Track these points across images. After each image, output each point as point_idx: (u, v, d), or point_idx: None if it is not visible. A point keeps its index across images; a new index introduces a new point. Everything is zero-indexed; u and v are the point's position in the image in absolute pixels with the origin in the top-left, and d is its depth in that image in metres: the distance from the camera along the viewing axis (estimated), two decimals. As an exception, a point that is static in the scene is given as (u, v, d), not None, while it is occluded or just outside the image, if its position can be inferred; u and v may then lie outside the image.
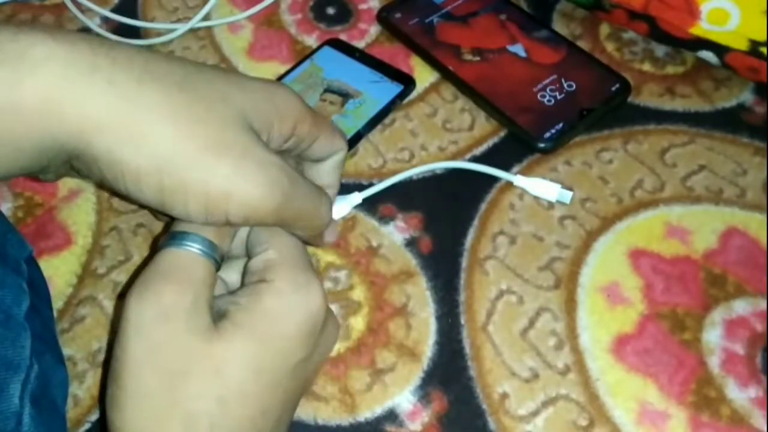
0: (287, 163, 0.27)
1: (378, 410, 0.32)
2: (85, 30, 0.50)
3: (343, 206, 0.38)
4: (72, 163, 0.25)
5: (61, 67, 0.23)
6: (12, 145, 0.23)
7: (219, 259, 0.27)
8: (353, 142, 0.41)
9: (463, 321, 0.35)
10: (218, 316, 0.25)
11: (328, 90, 0.43)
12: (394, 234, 0.38)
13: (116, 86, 0.23)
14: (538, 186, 0.38)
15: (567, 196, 0.38)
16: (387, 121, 0.43)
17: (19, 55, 0.22)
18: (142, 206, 0.29)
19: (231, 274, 0.30)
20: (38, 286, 0.33)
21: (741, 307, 0.34)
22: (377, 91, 0.43)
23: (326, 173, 0.33)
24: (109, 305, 0.36)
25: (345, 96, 0.43)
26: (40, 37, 0.23)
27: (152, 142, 0.23)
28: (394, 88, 0.43)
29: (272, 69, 0.46)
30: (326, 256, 0.37)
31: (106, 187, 0.26)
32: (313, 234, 0.30)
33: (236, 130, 0.25)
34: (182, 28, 0.48)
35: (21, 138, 0.23)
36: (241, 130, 0.25)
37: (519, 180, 0.38)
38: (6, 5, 0.51)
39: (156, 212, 0.31)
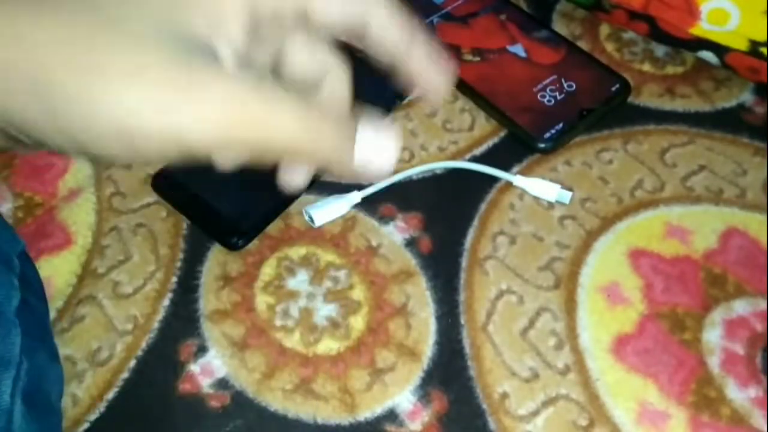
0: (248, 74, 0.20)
1: (378, 410, 0.32)
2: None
3: (343, 205, 0.38)
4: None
5: None
6: None
7: None
8: None
9: (463, 321, 0.35)
10: None
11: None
12: (394, 234, 0.38)
13: (20, 35, 0.19)
14: (538, 186, 0.38)
15: (566, 196, 0.38)
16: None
17: None
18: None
19: None
20: (31, 282, 0.33)
21: (741, 307, 0.34)
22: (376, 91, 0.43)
23: (379, 44, 0.25)
24: (108, 305, 0.36)
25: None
26: None
27: (28, 74, 0.18)
28: (393, 89, 0.43)
29: (272, 69, 0.46)
30: (326, 256, 0.37)
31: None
32: (332, 170, 0.23)
33: (174, 50, 0.19)
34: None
35: None
36: (180, 49, 0.19)
37: (519, 180, 0.38)
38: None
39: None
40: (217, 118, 0.19)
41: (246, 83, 0.20)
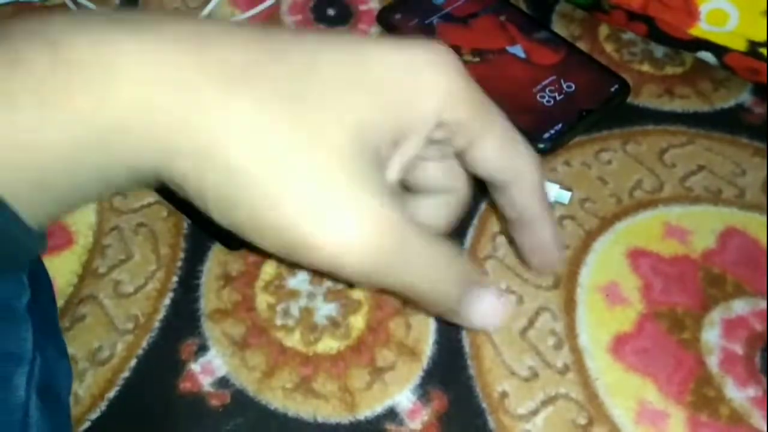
0: (397, 203, 0.20)
1: (378, 409, 0.32)
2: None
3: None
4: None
5: (146, 85, 0.19)
6: (88, 172, 0.20)
7: None
8: None
9: (462, 320, 0.35)
10: None
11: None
12: (394, 234, 0.38)
13: (204, 105, 0.19)
14: None
15: (565, 196, 0.38)
16: (387, 121, 0.43)
17: (101, 72, 0.19)
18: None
19: None
20: (40, 278, 0.33)
21: (740, 306, 0.34)
22: None
23: (510, 204, 0.25)
24: (109, 304, 0.36)
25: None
26: (123, 43, 0.19)
27: (236, 172, 0.19)
28: None
29: (273, 69, 0.46)
30: (326, 256, 0.37)
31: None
32: (436, 310, 0.24)
33: (347, 162, 0.20)
34: (183, 28, 0.48)
35: (101, 167, 0.19)
36: (353, 162, 0.20)
37: None
38: (7, 5, 0.51)
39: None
40: (370, 255, 0.20)
41: (400, 213, 0.20)
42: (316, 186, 0.19)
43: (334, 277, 0.23)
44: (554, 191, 0.38)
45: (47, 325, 0.32)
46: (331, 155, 0.19)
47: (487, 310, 0.23)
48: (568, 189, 0.38)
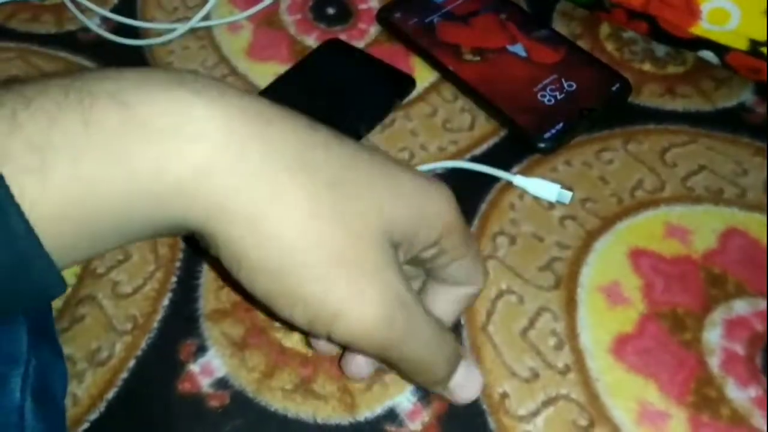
0: (409, 286, 0.24)
1: (378, 409, 0.32)
2: (84, 30, 0.50)
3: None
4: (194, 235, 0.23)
5: (210, 152, 0.20)
6: (135, 223, 0.21)
7: None
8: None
9: (463, 321, 0.35)
10: None
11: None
12: (394, 234, 0.38)
13: (260, 178, 0.21)
14: (538, 186, 0.38)
15: (567, 196, 0.38)
16: (387, 121, 0.43)
17: (172, 131, 0.20)
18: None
19: None
20: None
21: (741, 307, 0.34)
22: (376, 91, 0.43)
23: (445, 301, 0.29)
24: (108, 304, 0.36)
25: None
26: (195, 108, 0.20)
27: (277, 243, 0.21)
28: (393, 89, 0.43)
29: (271, 69, 0.46)
30: (326, 256, 0.37)
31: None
32: (425, 384, 0.28)
33: (375, 247, 0.22)
34: (182, 28, 0.48)
35: (146, 221, 0.21)
36: (380, 248, 0.23)
37: (519, 180, 0.38)
38: (5, 5, 0.51)
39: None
40: (378, 329, 0.23)
41: (413, 294, 0.24)
42: (352, 266, 0.22)
43: (343, 345, 0.26)
44: (555, 191, 0.38)
45: (42, 327, 0.32)
46: (365, 240, 0.22)
47: (471, 384, 0.29)
48: (569, 189, 0.38)
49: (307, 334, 0.30)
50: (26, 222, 0.19)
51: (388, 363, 0.26)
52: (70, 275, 0.37)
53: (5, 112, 0.19)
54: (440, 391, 0.28)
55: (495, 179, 0.39)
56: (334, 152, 0.23)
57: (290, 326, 0.26)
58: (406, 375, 0.27)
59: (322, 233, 0.21)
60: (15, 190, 0.18)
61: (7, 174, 0.18)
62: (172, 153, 0.20)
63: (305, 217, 0.21)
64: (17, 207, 0.19)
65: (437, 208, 0.25)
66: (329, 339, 0.23)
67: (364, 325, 0.22)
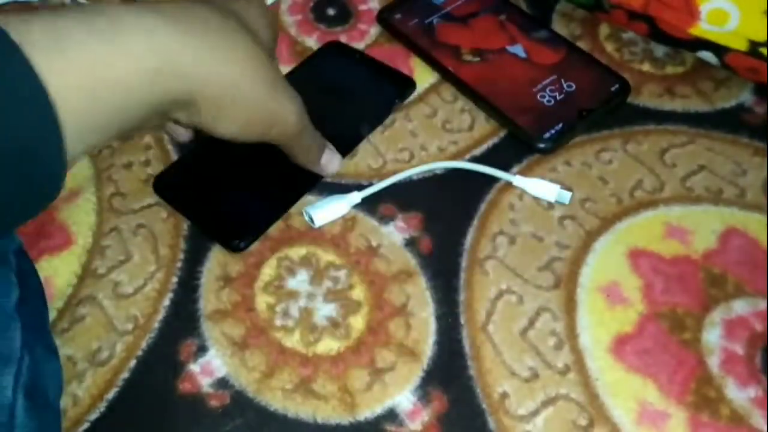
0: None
1: (378, 409, 0.32)
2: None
3: (343, 205, 0.38)
4: (169, 113, 0.29)
5: (170, 37, 0.27)
6: (135, 103, 0.26)
7: None
8: (353, 144, 0.41)
9: (462, 321, 0.35)
10: None
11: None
12: (394, 234, 0.38)
13: (207, 46, 0.28)
14: (538, 186, 0.38)
15: (566, 196, 0.38)
16: (387, 121, 0.43)
17: (132, 27, 0.26)
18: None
19: None
20: (28, 278, 0.33)
21: (740, 307, 0.34)
22: (377, 92, 0.43)
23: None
24: (109, 305, 0.36)
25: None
26: (158, 20, 0.27)
27: (245, 89, 0.30)
28: (393, 90, 0.43)
29: (272, 69, 0.46)
30: (326, 256, 0.37)
31: (192, 125, 0.31)
32: (307, 163, 0.38)
33: (274, 62, 0.34)
34: (183, 28, 0.48)
35: (146, 97, 0.26)
36: (279, 70, 0.33)
37: (518, 180, 0.39)
38: (6, 6, 0.51)
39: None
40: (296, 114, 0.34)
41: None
42: (281, 82, 0.32)
43: (273, 142, 0.34)
44: (555, 191, 0.38)
45: (37, 325, 0.32)
46: (275, 67, 0.33)
47: (333, 162, 0.40)
48: (569, 189, 0.38)
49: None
50: (45, 93, 0.22)
51: (290, 150, 0.36)
52: (70, 275, 0.37)
53: (14, 17, 0.23)
54: (315, 168, 0.39)
55: (495, 179, 0.39)
56: (214, 6, 0.30)
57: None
58: (297, 157, 0.37)
59: (259, 69, 0.30)
60: (42, 65, 0.22)
61: (31, 53, 0.22)
62: (151, 43, 0.26)
63: (246, 62, 0.30)
64: (36, 78, 0.22)
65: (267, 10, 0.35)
66: (262, 140, 0.33)
67: (291, 125, 0.33)
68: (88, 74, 0.24)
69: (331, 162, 0.39)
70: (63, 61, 0.23)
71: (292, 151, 0.36)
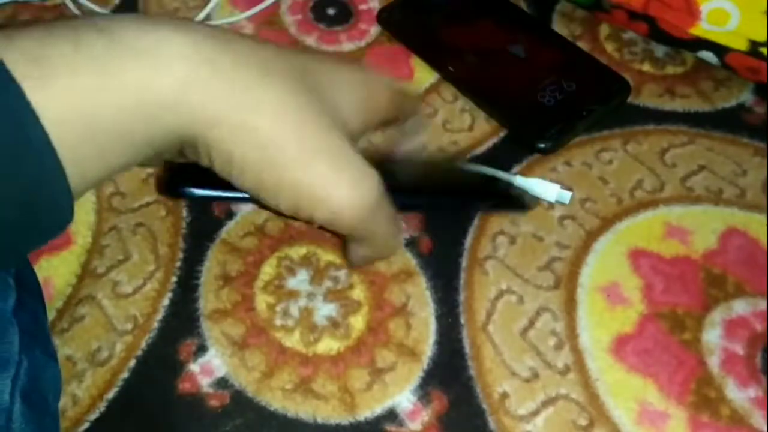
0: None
1: (378, 409, 0.32)
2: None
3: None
4: (183, 151, 0.25)
5: (188, 68, 0.23)
6: (134, 141, 0.23)
7: None
8: None
9: (462, 321, 0.35)
10: None
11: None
12: (394, 234, 0.38)
13: (234, 85, 0.24)
14: (538, 186, 0.38)
15: (566, 196, 0.38)
16: (387, 121, 0.43)
17: (152, 51, 0.22)
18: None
19: None
20: (27, 281, 0.33)
21: (741, 307, 0.34)
22: None
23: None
24: (108, 304, 0.36)
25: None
26: (169, 34, 0.23)
27: (262, 140, 0.24)
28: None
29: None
30: (326, 256, 0.37)
31: (212, 169, 0.26)
32: (380, 257, 0.33)
33: (338, 134, 0.26)
34: (182, 28, 0.48)
35: (145, 134, 0.23)
36: (341, 133, 0.26)
37: (519, 180, 0.38)
38: (6, 6, 0.51)
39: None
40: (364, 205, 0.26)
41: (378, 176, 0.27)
42: (326, 154, 0.25)
43: (326, 228, 0.28)
44: (555, 191, 0.38)
45: (35, 328, 0.31)
46: (332, 132, 0.26)
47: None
48: (569, 189, 0.38)
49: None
50: (43, 130, 0.20)
51: (358, 239, 0.29)
52: (69, 275, 0.37)
53: None
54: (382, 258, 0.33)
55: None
56: (291, 58, 0.26)
57: (278, 213, 0.29)
58: (371, 249, 0.30)
59: (295, 127, 0.25)
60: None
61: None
62: (156, 68, 0.22)
63: (278, 113, 0.24)
64: (34, 114, 0.20)
65: (376, 92, 0.29)
66: (310, 222, 0.26)
67: (343, 205, 0.26)
68: (73, 107, 0.21)
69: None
70: (46, 94, 0.20)
71: (362, 239, 0.29)
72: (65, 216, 0.22)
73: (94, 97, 0.21)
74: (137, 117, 0.22)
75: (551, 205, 0.38)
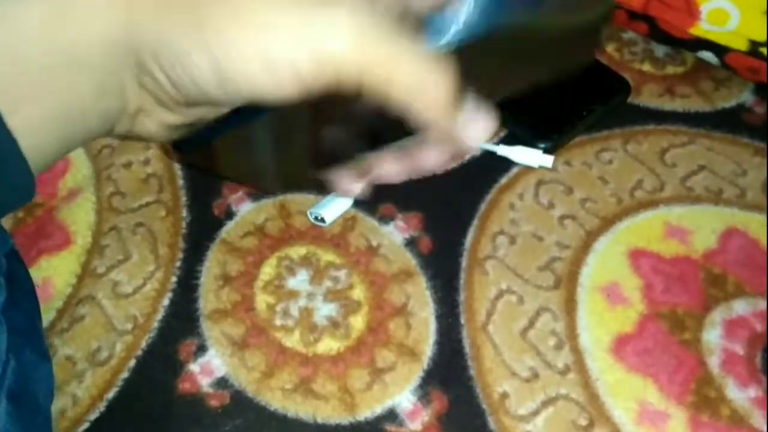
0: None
1: (378, 409, 0.32)
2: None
3: (342, 203, 0.38)
4: (140, 80, 0.21)
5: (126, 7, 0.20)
6: (100, 82, 0.20)
7: None
8: None
9: (463, 321, 0.35)
10: None
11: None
12: (394, 234, 0.38)
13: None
14: (520, 153, 0.37)
15: (548, 160, 0.36)
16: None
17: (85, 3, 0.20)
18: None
19: None
20: (19, 280, 0.33)
21: (741, 307, 0.34)
22: None
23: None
24: (108, 304, 0.36)
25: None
26: None
27: (212, 28, 0.20)
28: None
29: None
30: (326, 256, 0.37)
31: (174, 92, 0.22)
32: (430, 117, 0.21)
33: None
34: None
35: (107, 74, 0.20)
36: None
37: (501, 149, 0.37)
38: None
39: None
40: (352, 42, 0.19)
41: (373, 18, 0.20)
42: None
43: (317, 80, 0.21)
44: (537, 157, 0.36)
45: (27, 329, 0.31)
46: None
47: (480, 126, 0.22)
48: (569, 189, 0.38)
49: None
50: None
51: (375, 89, 0.21)
52: (69, 275, 0.37)
53: None
54: (450, 138, 0.23)
55: (495, 179, 0.39)
56: None
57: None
58: (401, 101, 0.21)
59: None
60: None
61: None
62: (101, 15, 0.20)
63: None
64: None
65: None
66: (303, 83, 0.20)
67: (330, 34, 0.19)
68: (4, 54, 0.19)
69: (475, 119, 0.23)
70: None
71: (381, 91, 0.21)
72: (19, 192, 0.20)
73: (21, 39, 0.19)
74: (102, 59, 0.20)
75: (551, 205, 0.38)
